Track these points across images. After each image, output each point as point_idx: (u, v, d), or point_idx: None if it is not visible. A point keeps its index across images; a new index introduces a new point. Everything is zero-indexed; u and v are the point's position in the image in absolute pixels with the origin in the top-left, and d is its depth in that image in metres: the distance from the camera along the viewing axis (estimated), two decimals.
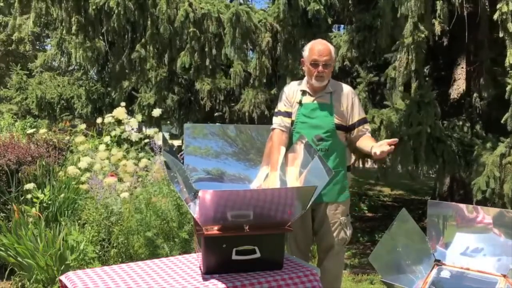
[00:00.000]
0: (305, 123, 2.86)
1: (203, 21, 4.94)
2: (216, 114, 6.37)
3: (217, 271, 2.23)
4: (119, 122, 4.53)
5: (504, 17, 3.58)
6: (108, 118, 4.49)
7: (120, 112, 4.39)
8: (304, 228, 2.94)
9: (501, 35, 3.67)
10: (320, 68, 2.79)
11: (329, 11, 4.99)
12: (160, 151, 3.59)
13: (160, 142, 3.94)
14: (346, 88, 2.93)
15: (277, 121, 2.93)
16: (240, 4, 4.78)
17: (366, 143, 2.85)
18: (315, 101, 2.88)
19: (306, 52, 2.87)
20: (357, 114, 2.89)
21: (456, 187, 5.72)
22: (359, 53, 4.83)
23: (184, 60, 5.05)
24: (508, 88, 3.74)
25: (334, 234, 2.90)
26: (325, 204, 2.87)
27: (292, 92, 2.94)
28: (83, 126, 5.61)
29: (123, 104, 4.67)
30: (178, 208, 3.54)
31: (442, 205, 3.01)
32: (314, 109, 2.86)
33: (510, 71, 3.73)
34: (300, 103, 2.90)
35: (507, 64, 3.66)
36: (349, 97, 2.88)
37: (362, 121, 2.91)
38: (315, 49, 2.82)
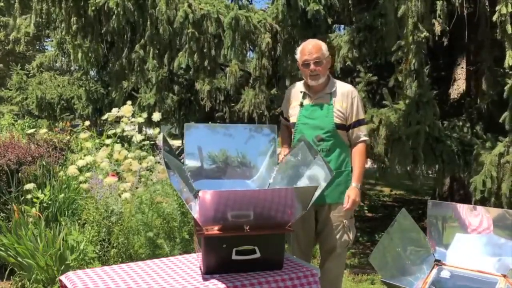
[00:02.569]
0: (306, 124, 2.87)
1: (202, 22, 4.95)
2: (221, 114, 6.37)
3: (217, 271, 2.24)
4: (119, 122, 4.53)
5: (503, 18, 3.58)
6: (112, 115, 4.49)
7: (127, 109, 4.38)
8: (306, 228, 2.94)
9: (499, 37, 3.67)
10: (312, 66, 2.80)
11: (329, 11, 4.99)
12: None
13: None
14: (347, 87, 2.91)
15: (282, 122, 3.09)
16: (239, 8, 4.78)
17: (353, 164, 2.89)
18: (315, 102, 2.88)
19: (297, 54, 2.90)
20: (355, 114, 2.87)
21: (456, 187, 5.72)
22: (360, 53, 4.83)
23: (181, 60, 5.05)
24: (506, 88, 3.75)
25: (337, 237, 2.89)
26: (328, 205, 2.87)
27: (294, 94, 2.96)
28: (87, 123, 5.64)
29: (129, 102, 4.66)
30: (180, 208, 3.55)
31: (442, 205, 3.01)
32: (314, 110, 2.87)
33: (510, 72, 3.74)
34: (301, 104, 2.91)
35: (506, 65, 3.67)
36: (349, 97, 2.87)
37: (357, 123, 2.87)
38: (305, 49, 2.84)
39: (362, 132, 2.88)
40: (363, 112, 2.94)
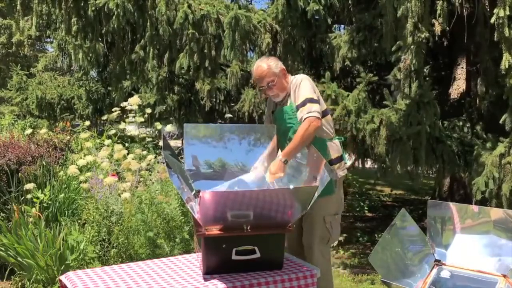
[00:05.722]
0: (279, 131, 2.90)
1: (202, 22, 4.95)
2: (226, 115, 6.38)
3: (217, 271, 2.24)
4: (120, 122, 4.56)
5: (500, 21, 3.59)
6: (115, 113, 4.52)
7: (134, 100, 4.43)
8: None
9: (496, 39, 3.68)
10: (267, 92, 2.84)
11: (328, 11, 5.00)
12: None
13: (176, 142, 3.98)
14: (293, 82, 2.83)
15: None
16: (239, 7, 4.78)
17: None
18: (279, 107, 2.91)
19: None
20: (297, 98, 2.75)
21: (456, 187, 5.72)
22: (360, 53, 4.83)
23: (182, 61, 5.06)
24: (506, 88, 3.76)
25: (316, 232, 2.86)
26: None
27: (270, 101, 2.99)
28: (87, 123, 5.67)
29: (136, 95, 4.71)
30: (180, 207, 3.55)
31: (442, 206, 3.00)
32: (280, 115, 2.88)
33: (510, 72, 3.74)
34: (273, 112, 2.98)
35: (502, 67, 3.68)
36: (293, 89, 2.81)
37: (301, 104, 2.72)
38: (253, 75, 2.88)
39: (305, 111, 2.69)
40: (307, 93, 2.73)
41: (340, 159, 2.92)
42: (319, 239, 2.87)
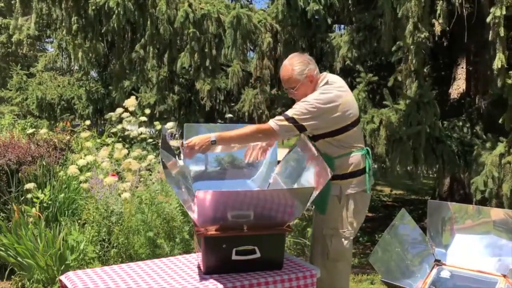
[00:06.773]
0: None
1: (203, 22, 4.96)
2: (226, 115, 6.38)
3: (217, 271, 2.24)
4: (120, 121, 4.57)
5: (496, 21, 3.57)
6: (115, 114, 4.53)
7: (131, 101, 4.43)
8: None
9: (491, 38, 3.66)
10: (288, 93, 2.73)
11: (328, 11, 5.00)
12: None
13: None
14: (320, 86, 2.65)
15: None
16: (241, 7, 4.80)
17: None
18: None
19: None
20: (294, 106, 2.60)
21: (456, 187, 5.72)
22: (360, 53, 4.83)
23: (183, 60, 5.07)
24: (506, 88, 3.75)
25: (317, 246, 2.76)
26: (316, 213, 2.78)
27: None
28: (87, 122, 5.67)
29: (133, 97, 4.71)
30: (180, 207, 3.55)
31: (442, 206, 3.01)
32: None
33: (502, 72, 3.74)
34: None
35: (495, 67, 3.65)
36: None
37: (283, 114, 2.54)
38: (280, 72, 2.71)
39: (276, 119, 2.52)
40: (297, 111, 2.51)
41: (357, 174, 2.71)
42: (320, 253, 2.74)
